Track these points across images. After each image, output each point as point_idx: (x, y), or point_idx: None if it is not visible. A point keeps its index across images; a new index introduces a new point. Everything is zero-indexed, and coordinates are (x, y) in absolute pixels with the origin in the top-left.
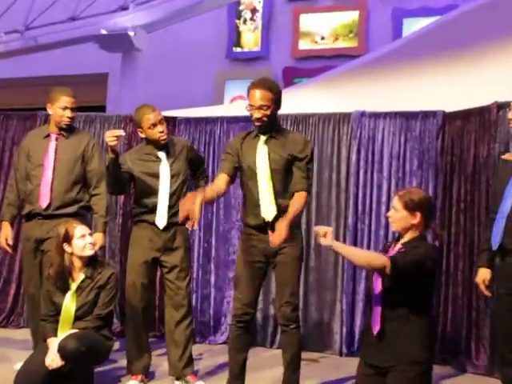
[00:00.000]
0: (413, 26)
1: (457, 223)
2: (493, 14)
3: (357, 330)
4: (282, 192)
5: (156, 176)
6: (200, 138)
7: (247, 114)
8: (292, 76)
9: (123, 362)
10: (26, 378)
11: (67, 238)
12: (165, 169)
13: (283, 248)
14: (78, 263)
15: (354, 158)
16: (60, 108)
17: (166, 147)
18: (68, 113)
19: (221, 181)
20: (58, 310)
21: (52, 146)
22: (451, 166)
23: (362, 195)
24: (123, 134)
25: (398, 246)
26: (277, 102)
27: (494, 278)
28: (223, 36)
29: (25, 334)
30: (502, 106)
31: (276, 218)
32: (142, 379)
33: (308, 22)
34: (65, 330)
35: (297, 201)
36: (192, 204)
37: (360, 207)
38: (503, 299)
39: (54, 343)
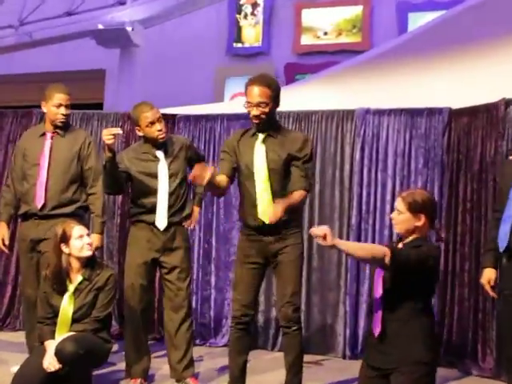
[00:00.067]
0: (418, 20)
1: (463, 223)
2: (500, 8)
3: (360, 332)
4: (280, 192)
5: (154, 176)
6: (200, 136)
7: None
8: (294, 72)
9: (122, 365)
10: (23, 381)
11: (65, 239)
12: (163, 169)
13: (284, 247)
14: (75, 264)
15: (357, 156)
16: (54, 106)
17: (164, 146)
18: (62, 110)
19: (222, 182)
20: (55, 312)
21: (47, 144)
22: (457, 164)
23: (365, 194)
24: (121, 132)
25: (400, 246)
26: (275, 99)
27: (499, 279)
28: (223, 31)
29: (21, 336)
30: (509, 103)
31: None
32: (141, 383)
33: (310, 16)
34: (62, 333)
35: (296, 194)
36: (203, 171)
37: (364, 207)
38: (509, 300)
39: (51, 346)
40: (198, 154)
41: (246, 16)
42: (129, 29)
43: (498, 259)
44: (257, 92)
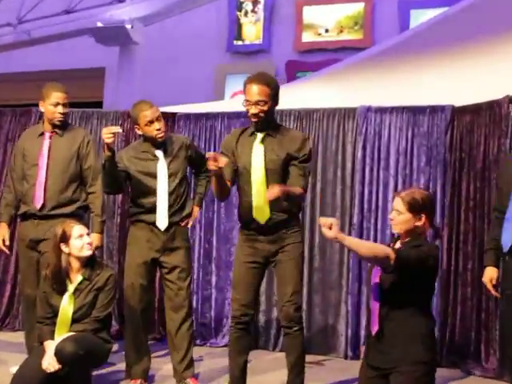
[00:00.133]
0: (420, 17)
1: (466, 221)
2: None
3: (362, 332)
4: None
5: (153, 175)
6: (200, 135)
7: None
8: (295, 70)
9: (122, 366)
10: (23, 381)
11: (64, 238)
12: (162, 168)
13: (284, 246)
14: (75, 264)
15: (359, 154)
16: (51, 105)
17: (163, 145)
18: (60, 109)
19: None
20: (55, 312)
21: (46, 144)
22: (460, 162)
23: (367, 193)
24: (120, 130)
25: (398, 245)
26: (274, 98)
27: (502, 279)
28: (223, 29)
29: (20, 336)
30: None
31: (270, 220)
32: (141, 383)
33: (311, 13)
34: (62, 333)
35: (295, 188)
36: (219, 157)
37: (366, 205)
38: (511, 300)
39: (50, 346)
40: (199, 152)
41: (246, 13)
42: (128, 26)
43: (499, 258)
44: (255, 90)
